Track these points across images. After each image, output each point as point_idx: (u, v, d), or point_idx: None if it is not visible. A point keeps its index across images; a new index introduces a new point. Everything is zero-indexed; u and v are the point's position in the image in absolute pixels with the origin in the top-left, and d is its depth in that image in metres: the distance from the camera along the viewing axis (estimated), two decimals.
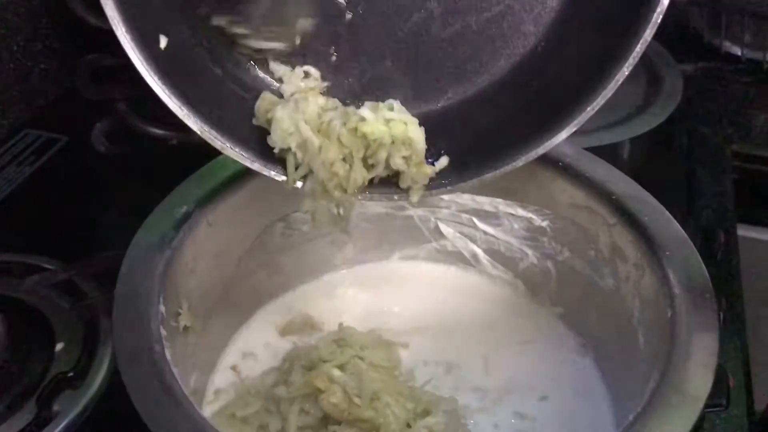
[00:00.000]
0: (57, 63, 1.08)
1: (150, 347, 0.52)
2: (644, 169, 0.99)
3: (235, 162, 0.66)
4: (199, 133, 0.49)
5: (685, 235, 0.62)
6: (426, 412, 0.64)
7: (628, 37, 0.48)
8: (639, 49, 0.47)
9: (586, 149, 0.72)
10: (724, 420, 0.71)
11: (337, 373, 0.62)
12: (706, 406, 0.70)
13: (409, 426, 0.62)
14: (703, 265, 0.60)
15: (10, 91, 1.02)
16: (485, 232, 0.76)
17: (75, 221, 0.87)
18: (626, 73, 0.48)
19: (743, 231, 1.10)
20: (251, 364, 0.70)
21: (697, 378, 0.52)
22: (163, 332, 0.54)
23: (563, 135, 0.50)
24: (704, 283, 0.58)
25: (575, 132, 0.91)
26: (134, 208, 0.66)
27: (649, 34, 0.47)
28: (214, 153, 0.68)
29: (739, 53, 1.26)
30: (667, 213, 0.64)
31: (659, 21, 0.46)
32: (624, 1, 0.49)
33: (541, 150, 0.51)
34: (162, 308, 0.56)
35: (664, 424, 0.49)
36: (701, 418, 0.68)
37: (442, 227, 0.78)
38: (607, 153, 0.94)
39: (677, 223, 0.63)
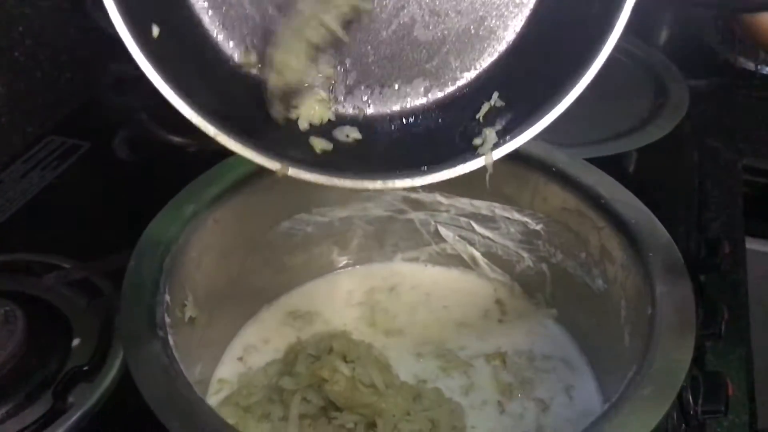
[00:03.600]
0: (82, 73, 1.12)
1: (153, 332, 0.54)
2: (651, 179, 1.01)
3: (242, 164, 0.70)
4: (192, 120, 0.49)
5: (669, 237, 0.64)
6: (426, 405, 0.66)
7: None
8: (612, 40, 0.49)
9: (592, 159, 0.74)
10: (726, 428, 0.73)
11: (342, 363, 0.64)
12: (704, 412, 0.72)
13: (408, 414, 0.64)
14: (685, 267, 0.61)
15: (36, 99, 1.06)
16: (483, 236, 0.78)
17: (94, 224, 0.90)
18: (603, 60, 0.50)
19: (754, 245, 1.11)
20: (255, 357, 0.72)
21: (671, 373, 0.53)
22: (168, 320, 0.57)
23: (554, 115, 0.51)
24: (685, 283, 0.60)
25: (580, 143, 0.93)
26: (152, 212, 0.68)
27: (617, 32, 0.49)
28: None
29: (753, 69, 1.27)
30: (653, 216, 0.66)
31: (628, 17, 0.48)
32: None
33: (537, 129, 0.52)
34: (167, 297, 0.58)
35: (637, 411, 0.51)
36: (693, 418, 0.70)
37: (442, 230, 0.80)
38: (613, 163, 0.96)
39: (662, 226, 0.65)
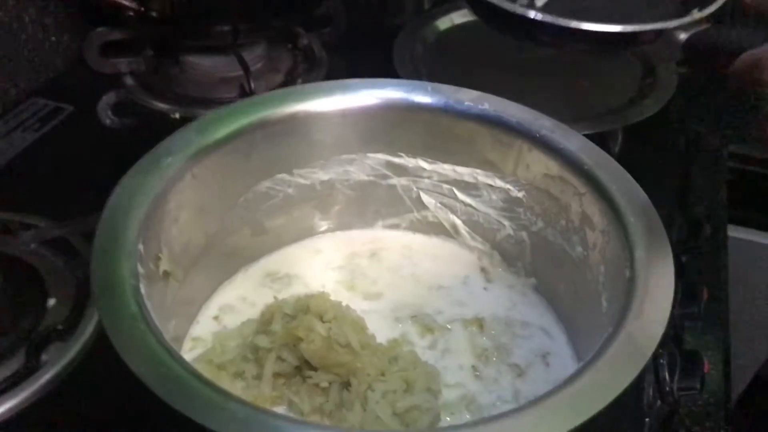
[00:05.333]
0: (68, 35, 1.12)
1: (125, 279, 0.53)
2: (637, 161, 1.00)
3: (223, 120, 0.69)
4: None
5: (650, 203, 0.64)
6: (401, 365, 0.65)
7: None
8: None
9: None
10: (701, 406, 0.73)
11: (318, 322, 0.63)
12: (680, 389, 0.73)
13: (383, 374, 0.63)
14: (665, 232, 0.61)
15: (20, 60, 1.05)
16: (465, 203, 0.78)
17: (74, 186, 0.90)
18: None
19: (737, 233, 1.11)
20: (231, 317, 0.72)
21: (648, 332, 0.53)
22: (141, 270, 0.56)
23: None
24: (665, 248, 0.59)
25: (566, 119, 0.93)
26: None
27: None
28: None
29: None
30: (635, 182, 0.65)
31: None
32: None
33: None
34: (141, 248, 0.57)
35: (610, 371, 0.51)
36: (668, 395, 0.70)
37: (424, 197, 0.79)
38: (600, 142, 0.95)
39: (644, 192, 0.65)
